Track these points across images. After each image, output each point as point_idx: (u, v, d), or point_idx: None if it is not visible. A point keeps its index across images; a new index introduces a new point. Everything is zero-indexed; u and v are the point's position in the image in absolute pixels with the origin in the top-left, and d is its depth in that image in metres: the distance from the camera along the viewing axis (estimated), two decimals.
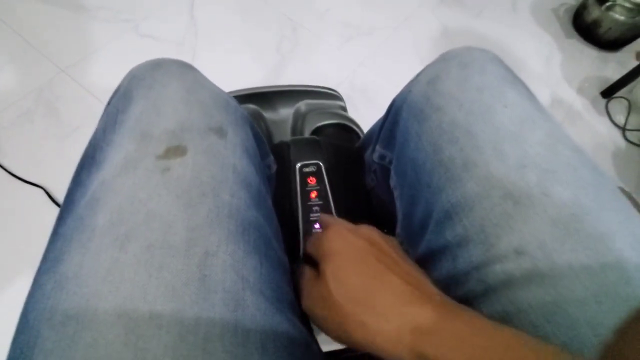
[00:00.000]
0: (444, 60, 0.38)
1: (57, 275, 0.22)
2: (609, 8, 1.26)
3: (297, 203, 0.48)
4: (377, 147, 0.45)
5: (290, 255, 0.43)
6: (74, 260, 0.23)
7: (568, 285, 0.22)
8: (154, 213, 0.24)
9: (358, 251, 0.28)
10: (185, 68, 0.36)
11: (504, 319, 0.24)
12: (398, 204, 0.39)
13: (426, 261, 0.31)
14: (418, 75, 0.40)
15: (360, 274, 0.27)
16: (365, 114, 1.12)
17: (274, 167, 0.46)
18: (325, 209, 0.48)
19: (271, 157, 0.45)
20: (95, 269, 0.22)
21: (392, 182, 0.41)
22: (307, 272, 0.31)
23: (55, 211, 0.88)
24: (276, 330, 0.24)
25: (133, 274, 0.21)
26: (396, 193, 0.40)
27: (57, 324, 0.20)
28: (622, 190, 1.04)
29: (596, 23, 1.34)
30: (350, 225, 0.32)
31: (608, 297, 0.22)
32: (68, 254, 0.23)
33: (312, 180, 0.50)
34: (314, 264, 0.31)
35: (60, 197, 0.90)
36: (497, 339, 0.21)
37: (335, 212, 0.48)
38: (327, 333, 0.28)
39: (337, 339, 0.27)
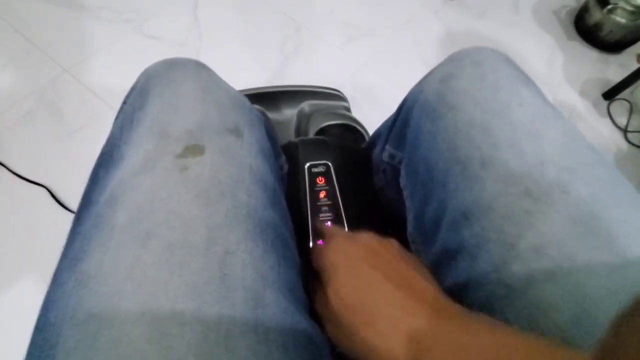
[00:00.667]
0: (455, 59, 0.38)
1: (78, 273, 0.22)
2: (610, 11, 1.27)
3: (306, 203, 0.48)
4: (387, 147, 0.45)
5: (300, 255, 0.43)
6: (95, 258, 0.23)
7: (589, 284, 0.22)
8: (174, 212, 0.24)
9: (353, 261, 0.29)
10: (200, 67, 0.36)
11: (529, 321, 0.23)
12: (408, 203, 0.39)
13: (441, 261, 0.31)
14: (429, 75, 0.40)
15: (355, 284, 0.28)
16: (369, 114, 1.12)
17: (286, 167, 0.46)
18: (334, 209, 0.48)
19: (283, 157, 0.45)
20: (117, 267, 0.22)
21: (402, 181, 0.41)
22: (316, 286, 0.32)
23: (59, 211, 0.88)
24: (295, 329, 0.24)
25: (155, 272, 0.21)
26: (406, 192, 0.40)
27: (79, 323, 0.20)
28: None
29: (598, 25, 1.34)
30: (349, 234, 0.33)
31: (628, 295, 0.21)
32: (88, 252, 0.23)
33: (321, 180, 0.50)
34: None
35: (64, 197, 0.90)
36: (493, 341, 0.21)
37: (344, 212, 0.48)
38: (340, 347, 0.28)
39: (348, 352, 0.27)
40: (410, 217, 0.38)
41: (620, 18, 1.27)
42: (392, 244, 0.32)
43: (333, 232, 0.35)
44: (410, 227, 0.38)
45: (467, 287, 0.28)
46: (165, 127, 0.29)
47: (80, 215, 0.27)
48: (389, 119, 0.48)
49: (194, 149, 0.28)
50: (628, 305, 0.21)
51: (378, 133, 0.53)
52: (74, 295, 0.21)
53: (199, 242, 0.23)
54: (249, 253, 0.24)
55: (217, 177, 0.27)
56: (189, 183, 0.26)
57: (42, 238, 0.84)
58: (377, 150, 0.49)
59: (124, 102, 0.35)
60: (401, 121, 0.42)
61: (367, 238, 0.32)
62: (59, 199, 0.89)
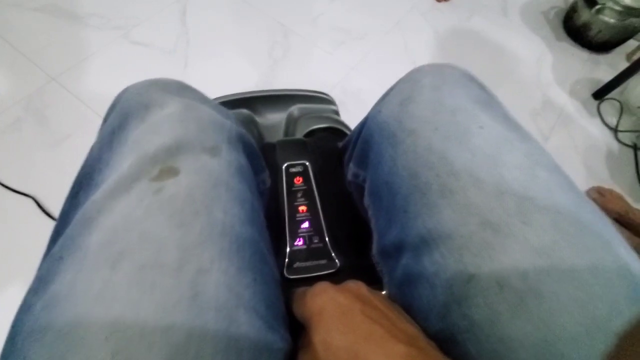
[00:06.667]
0: (414, 80, 0.37)
1: (48, 295, 0.22)
2: (598, 11, 1.27)
3: (283, 203, 0.47)
4: (351, 165, 0.44)
5: (277, 257, 0.43)
6: (66, 279, 0.22)
7: (558, 321, 0.21)
8: (147, 233, 0.24)
9: (343, 308, 0.26)
10: (183, 88, 0.36)
11: (492, 356, 0.23)
12: (372, 224, 0.38)
13: (404, 288, 0.30)
14: (387, 94, 0.40)
15: (346, 332, 0.25)
16: (358, 117, 1.12)
17: (269, 182, 0.45)
18: (311, 209, 0.47)
19: (266, 172, 0.44)
20: (87, 289, 0.21)
21: (366, 200, 0.40)
22: (302, 340, 0.29)
23: (45, 221, 0.87)
24: (270, 348, 0.24)
25: (125, 293, 0.21)
26: (370, 212, 0.39)
27: (47, 345, 0.20)
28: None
29: (586, 26, 1.35)
30: (335, 285, 0.30)
31: (600, 331, 0.21)
32: (59, 274, 0.23)
33: (298, 180, 0.50)
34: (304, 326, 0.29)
35: (50, 207, 0.89)
36: None
37: (322, 213, 0.47)
38: None
39: None
40: (374, 236, 0.38)
41: (608, 18, 1.28)
42: (382, 294, 0.30)
43: (315, 285, 0.31)
44: (374, 247, 0.37)
45: (429, 318, 0.27)
46: (143, 149, 0.28)
47: (56, 238, 0.27)
48: (354, 130, 0.47)
49: (169, 171, 0.27)
50: (631, 325, 0.20)
51: (350, 137, 0.52)
52: (42, 317, 0.21)
53: (170, 262, 0.23)
54: (223, 271, 0.24)
55: (192, 196, 0.26)
56: (163, 204, 0.25)
57: (28, 249, 0.83)
58: (346, 158, 0.49)
59: (104, 121, 0.35)
60: (363, 140, 0.41)
61: (355, 284, 0.29)
62: (45, 209, 0.88)
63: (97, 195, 0.26)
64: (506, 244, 0.24)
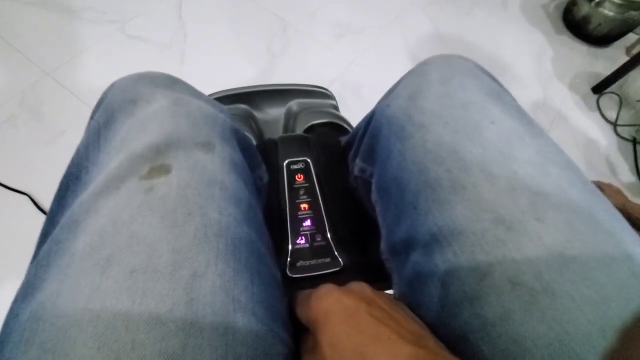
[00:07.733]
0: (422, 73, 0.37)
1: (34, 304, 0.21)
2: (598, 4, 1.26)
3: (284, 200, 0.47)
4: (358, 160, 0.43)
5: (279, 256, 0.42)
6: (52, 287, 0.21)
7: (572, 320, 0.21)
8: (138, 235, 0.23)
9: (348, 308, 0.26)
10: (172, 81, 0.35)
11: (505, 356, 0.22)
12: (380, 219, 0.38)
13: (414, 286, 0.30)
14: (395, 87, 0.39)
15: (353, 333, 0.24)
16: (357, 112, 1.11)
17: (266, 177, 0.44)
18: (313, 206, 0.47)
19: (263, 168, 0.43)
20: (75, 297, 0.20)
21: (374, 196, 0.39)
22: (306, 343, 0.28)
23: (41, 219, 0.86)
24: (269, 353, 0.23)
25: (115, 301, 0.20)
26: (378, 208, 0.38)
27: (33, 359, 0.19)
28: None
29: (586, 19, 1.34)
30: (340, 286, 0.29)
31: (614, 330, 0.21)
32: (46, 280, 0.22)
33: (300, 177, 0.49)
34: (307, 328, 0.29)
35: (46, 205, 0.88)
36: None
37: (324, 210, 0.47)
38: None
39: None
40: (383, 232, 0.37)
41: (608, 11, 1.27)
42: (387, 294, 0.29)
43: (319, 287, 0.31)
44: (382, 244, 0.37)
45: (440, 316, 0.27)
46: (131, 146, 0.27)
47: (44, 241, 0.26)
48: (359, 125, 0.46)
49: (159, 169, 0.26)
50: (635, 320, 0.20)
51: (355, 132, 0.51)
52: (28, 328, 0.20)
53: (163, 266, 0.22)
54: (219, 274, 0.23)
55: (185, 196, 0.25)
56: (154, 204, 0.24)
57: (25, 248, 0.82)
58: (351, 153, 0.48)
59: (91, 118, 0.33)
60: (370, 135, 0.40)
61: (359, 286, 0.29)
62: (41, 206, 0.87)
63: (84, 196, 0.25)
64: (519, 242, 0.24)
